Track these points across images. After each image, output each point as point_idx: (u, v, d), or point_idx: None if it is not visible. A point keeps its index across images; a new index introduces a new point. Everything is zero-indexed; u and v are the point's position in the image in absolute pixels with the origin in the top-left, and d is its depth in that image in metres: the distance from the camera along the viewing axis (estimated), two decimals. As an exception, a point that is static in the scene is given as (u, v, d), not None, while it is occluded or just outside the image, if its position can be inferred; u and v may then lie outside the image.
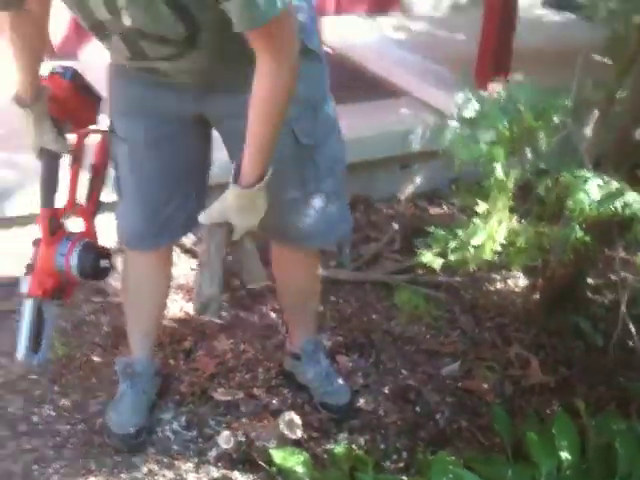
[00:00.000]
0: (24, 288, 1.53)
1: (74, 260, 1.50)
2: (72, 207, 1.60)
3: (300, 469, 1.37)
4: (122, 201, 1.58)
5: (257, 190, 1.28)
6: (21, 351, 1.51)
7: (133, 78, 1.44)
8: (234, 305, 2.15)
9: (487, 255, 1.10)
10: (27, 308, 1.52)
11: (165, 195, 1.54)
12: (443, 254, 1.17)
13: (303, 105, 1.41)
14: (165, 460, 1.61)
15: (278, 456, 1.42)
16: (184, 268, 2.32)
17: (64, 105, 1.49)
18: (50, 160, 1.52)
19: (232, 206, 1.30)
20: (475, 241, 1.09)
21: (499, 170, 1.15)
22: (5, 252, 2.27)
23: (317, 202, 1.52)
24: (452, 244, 1.13)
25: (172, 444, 1.66)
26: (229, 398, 1.76)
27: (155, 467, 1.60)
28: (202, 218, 1.36)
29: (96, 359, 1.93)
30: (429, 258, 1.16)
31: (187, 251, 2.40)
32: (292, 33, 1.19)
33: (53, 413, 1.74)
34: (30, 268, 1.53)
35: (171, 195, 1.55)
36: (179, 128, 1.48)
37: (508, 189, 1.15)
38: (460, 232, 1.13)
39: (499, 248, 1.11)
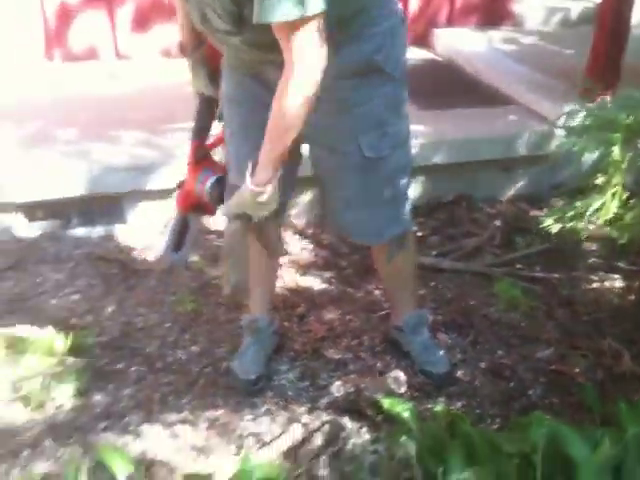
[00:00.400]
0: (174, 201, 1.83)
1: (207, 188, 1.75)
2: (220, 144, 1.82)
3: (407, 415, 1.54)
4: (229, 176, 1.74)
5: (267, 189, 1.42)
6: (164, 250, 1.83)
7: (236, 69, 1.59)
8: (342, 282, 2.35)
9: (601, 220, 1.23)
10: (174, 217, 1.82)
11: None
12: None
13: (371, 122, 1.54)
14: (281, 403, 1.82)
15: (386, 403, 1.59)
16: (296, 246, 2.54)
17: (219, 55, 1.66)
18: (204, 102, 1.74)
19: (247, 200, 1.45)
20: (591, 209, 1.22)
21: (616, 151, 1.27)
22: (148, 221, 2.57)
23: (373, 206, 1.66)
24: (570, 213, 1.26)
25: (287, 390, 1.86)
26: (339, 357, 1.95)
27: (273, 408, 1.80)
28: (223, 211, 1.52)
29: (220, 315, 2.17)
30: (549, 222, 1.30)
31: (298, 232, 2.63)
32: (314, 47, 1.25)
33: (184, 356, 1.99)
34: (179, 185, 1.82)
35: None
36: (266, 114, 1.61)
37: (622, 169, 1.28)
38: (578, 203, 1.27)
39: (611, 215, 1.24)
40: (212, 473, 1.41)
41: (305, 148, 1.68)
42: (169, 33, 3.53)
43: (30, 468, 1.60)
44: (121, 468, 1.31)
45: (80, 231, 2.54)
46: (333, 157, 1.59)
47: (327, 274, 2.39)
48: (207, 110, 1.77)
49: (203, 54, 1.66)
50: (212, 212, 1.90)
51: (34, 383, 1.82)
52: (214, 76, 1.69)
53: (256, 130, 1.62)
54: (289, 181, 1.76)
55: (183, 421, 1.75)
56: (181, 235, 1.86)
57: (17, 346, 1.95)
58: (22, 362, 1.90)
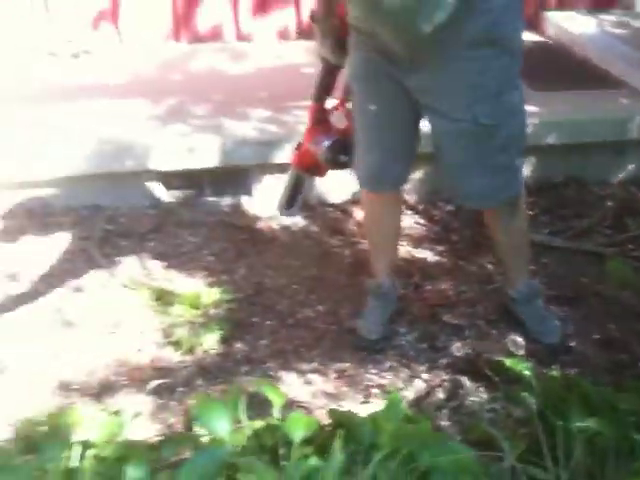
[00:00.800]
0: (291, 159, 2.01)
1: (322, 149, 1.91)
2: (339, 109, 1.96)
3: (527, 373, 1.66)
4: (357, 147, 1.90)
5: None
6: (278, 205, 2.05)
7: (359, 44, 1.73)
8: (454, 255, 2.48)
9: None
10: (289, 175, 2.00)
11: (379, 150, 1.84)
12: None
13: (487, 91, 1.66)
14: (403, 361, 1.97)
15: (508, 362, 1.72)
16: (408, 221, 2.68)
17: (347, 26, 1.79)
18: (327, 67, 1.87)
19: None
20: None
21: None
22: (271, 193, 2.76)
23: (486, 172, 1.76)
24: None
25: (408, 350, 2.01)
26: (455, 322, 2.09)
27: (395, 364, 1.96)
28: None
29: (341, 280, 2.34)
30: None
31: (411, 208, 2.77)
32: None
33: (312, 314, 2.18)
34: (298, 146, 1.99)
35: (386, 150, 1.84)
36: (395, 92, 1.74)
37: None
38: None
39: None
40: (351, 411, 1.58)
41: (423, 124, 1.83)
42: (286, 17, 3.73)
43: (185, 402, 1.83)
44: (276, 399, 1.50)
45: (211, 200, 2.76)
46: (449, 124, 1.71)
47: (439, 247, 2.53)
48: (329, 76, 1.90)
49: (332, 24, 1.79)
50: (323, 173, 2.05)
51: (183, 330, 2.06)
52: (340, 45, 1.81)
53: (378, 105, 1.78)
54: (409, 154, 1.92)
55: (314, 371, 1.94)
56: (294, 192, 2.05)
57: (165, 298, 2.19)
58: (171, 312, 2.14)
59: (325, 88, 1.93)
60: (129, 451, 1.37)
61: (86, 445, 1.37)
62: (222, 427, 1.31)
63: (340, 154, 1.94)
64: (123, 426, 1.48)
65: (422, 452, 1.23)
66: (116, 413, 1.51)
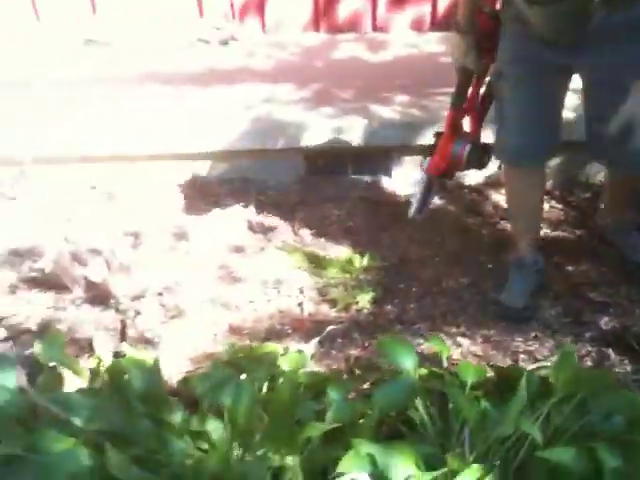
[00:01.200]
0: (424, 166, 2.15)
1: (466, 153, 2.04)
2: (470, 111, 2.10)
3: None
4: (502, 126, 2.02)
5: None
6: (412, 210, 2.24)
7: (518, 32, 1.85)
8: (593, 239, 2.53)
9: None
10: (423, 181, 2.14)
11: (536, 126, 1.97)
12: None
13: None
14: (547, 332, 2.07)
15: (660, 333, 1.80)
16: (545, 206, 2.75)
17: (487, 38, 1.94)
18: (465, 74, 2.02)
19: None
20: None
21: None
22: (409, 173, 2.91)
23: None
24: None
25: (552, 323, 2.11)
26: (600, 299, 2.17)
27: (540, 334, 2.06)
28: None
29: (482, 256, 2.46)
30: None
31: (547, 193, 2.83)
32: None
33: (456, 285, 2.30)
34: (430, 152, 2.12)
35: (542, 126, 1.97)
36: (554, 73, 1.87)
37: None
38: None
39: None
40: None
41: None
42: (422, 9, 3.87)
43: (345, 351, 2.00)
44: (444, 350, 1.64)
45: (353, 177, 2.94)
46: (615, 92, 1.81)
47: (578, 232, 2.59)
48: (467, 83, 2.05)
49: (476, 36, 1.93)
50: (453, 177, 2.25)
51: (337, 290, 2.24)
52: (480, 54, 1.96)
53: (538, 85, 1.91)
54: (558, 131, 2.03)
55: (462, 334, 2.07)
56: (426, 195, 2.21)
57: (318, 261, 2.38)
58: (324, 274, 2.33)
59: (463, 95, 2.07)
60: (316, 379, 1.55)
61: (281, 373, 1.56)
62: (408, 362, 1.46)
63: (483, 155, 2.09)
64: (307, 361, 1.66)
65: (597, 397, 1.33)
66: (299, 352, 1.69)
